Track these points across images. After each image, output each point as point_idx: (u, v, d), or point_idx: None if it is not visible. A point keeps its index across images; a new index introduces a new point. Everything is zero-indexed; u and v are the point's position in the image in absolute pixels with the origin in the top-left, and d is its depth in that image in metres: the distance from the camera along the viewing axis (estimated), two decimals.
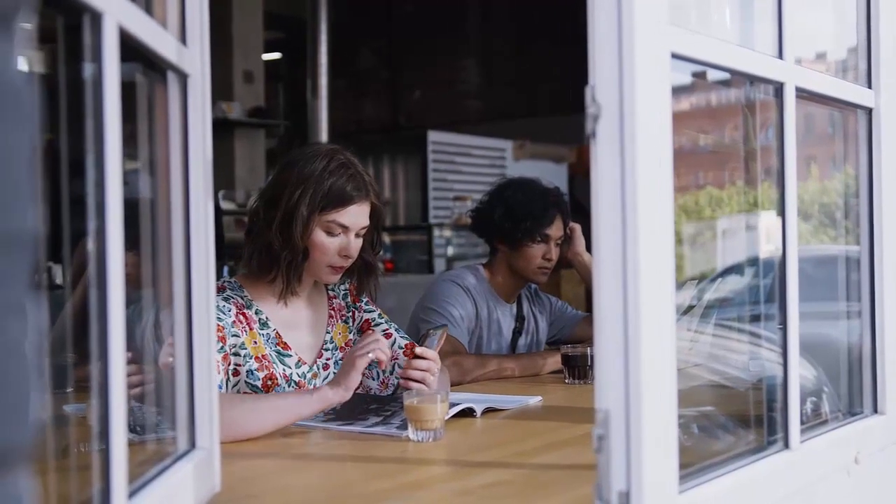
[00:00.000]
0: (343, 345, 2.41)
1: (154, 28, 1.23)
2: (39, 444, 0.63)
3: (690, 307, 2.20)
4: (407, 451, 1.86)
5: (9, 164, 0.57)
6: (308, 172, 2.21)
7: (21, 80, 0.60)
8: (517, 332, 3.18)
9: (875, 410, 1.86)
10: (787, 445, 1.55)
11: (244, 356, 2.19)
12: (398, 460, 1.80)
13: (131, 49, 1.14)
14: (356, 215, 2.25)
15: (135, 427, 1.37)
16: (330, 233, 2.23)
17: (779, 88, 1.56)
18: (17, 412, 0.59)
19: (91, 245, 1.05)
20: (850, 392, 1.91)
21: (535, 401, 2.41)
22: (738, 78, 1.64)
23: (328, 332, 2.39)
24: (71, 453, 1.33)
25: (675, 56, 1.28)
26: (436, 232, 7.64)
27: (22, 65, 0.61)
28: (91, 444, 1.27)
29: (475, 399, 2.25)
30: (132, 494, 1.13)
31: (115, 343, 1.04)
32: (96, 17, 1.02)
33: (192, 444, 1.41)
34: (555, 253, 3.07)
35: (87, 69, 1.04)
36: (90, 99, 1.04)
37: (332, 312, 2.42)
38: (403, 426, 1.95)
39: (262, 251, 2.24)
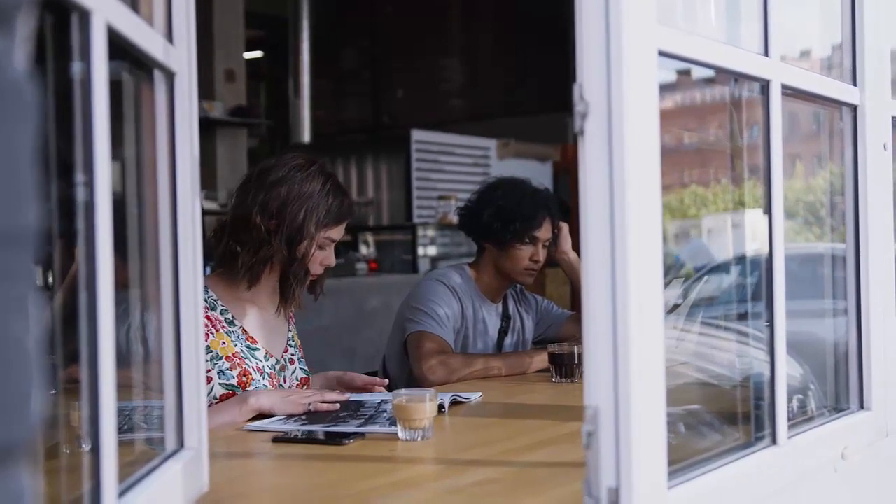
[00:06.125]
0: (298, 345, 2.55)
1: (142, 26, 1.23)
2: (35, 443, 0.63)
3: (676, 305, 2.20)
4: (396, 450, 1.86)
5: (12, 162, 0.57)
6: (308, 192, 2.32)
7: (23, 78, 0.60)
8: (503, 332, 3.19)
9: (861, 406, 1.87)
10: (774, 441, 1.56)
11: (211, 359, 2.25)
12: (387, 459, 1.80)
13: (118, 47, 1.13)
14: (343, 230, 2.43)
15: (121, 427, 1.36)
16: (321, 247, 2.37)
17: (765, 86, 1.57)
18: (19, 409, 0.59)
19: (79, 245, 1.04)
20: (837, 388, 1.92)
21: (475, 397, 2.41)
22: (723, 76, 1.64)
23: (290, 331, 2.52)
24: (59, 454, 1.32)
25: (662, 54, 1.28)
26: (420, 231, 7.62)
27: (23, 63, 0.61)
28: (76, 445, 1.27)
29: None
30: (121, 494, 1.12)
31: (104, 343, 1.04)
32: (84, 16, 1.02)
33: (181, 444, 1.41)
34: (542, 255, 3.08)
35: (75, 67, 1.03)
36: (78, 97, 1.04)
37: (291, 314, 2.54)
38: (393, 422, 1.95)
39: (262, 263, 2.33)
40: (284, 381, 2.42)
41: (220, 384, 2.26)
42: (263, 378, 2.32)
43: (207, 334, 2.25)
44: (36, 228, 0.61)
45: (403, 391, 2.01)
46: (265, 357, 2.37)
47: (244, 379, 2.28)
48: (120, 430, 1.13)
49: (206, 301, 2.30)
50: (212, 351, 2.26)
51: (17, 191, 0.58)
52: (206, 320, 2.25)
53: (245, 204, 2.33)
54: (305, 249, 2.33)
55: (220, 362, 2.27)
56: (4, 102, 0.57)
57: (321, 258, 2.37)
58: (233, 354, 2.30)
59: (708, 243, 2.04)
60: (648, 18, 1.24)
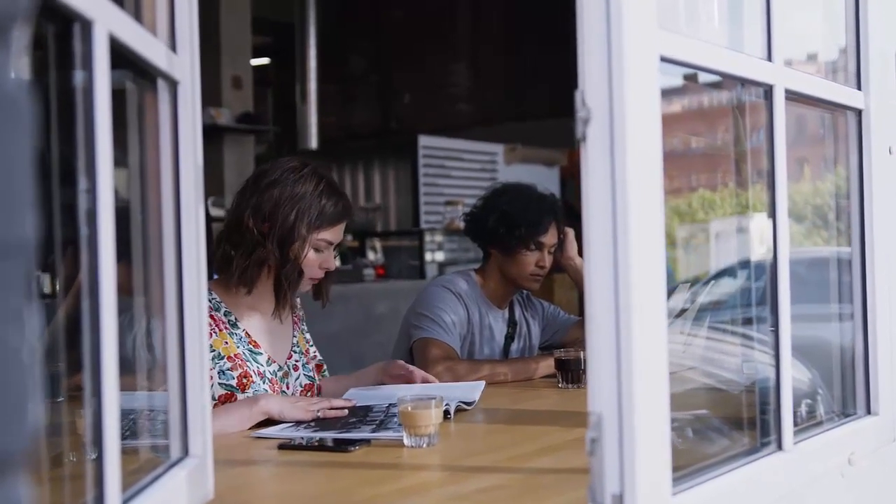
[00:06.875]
0: (304, 350, 2.53)
1: (144, 35, 1.23)
2: (35, 452, 0.63)
3: (683, 310, 2.20)
4: (402, 457, 1.85)
5: (8, 173, 0.58)
6: (300, 193, 2.32)
7: (19, 89, 0.60)
8: (509, 338, 3.18)
9: (868, 411, 1.87)
10: (780, 447, 1.55)
11: (213, 358, 2.26)
12: (393, 466, 1.80)
13: (121, 56, 1.14)
14: (341, 232, 2.41)
15: (125, 432, 1.36)
16: (317, 249, 2.36)
17: (768, 91, 1.57)
18: (15, 419, 0.59)
19: (82, 253, 1.04)
20: (844, 393, 1.91)
21: (480, 387, 2.47)
22: (730, 80, 1.64)
23: (294, 337, 2.52)
24: (65, 462, 1.32)
25: (664, 59, 1.28)
26: (427, 237, 7.61)
27: (19, 73, 0.61)
28: (82, 454, 1.27)
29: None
30: (125, 502, 1.12)
31: (107, 350, 1.04)
32: (87, 25, 1.02)
33: (185, 452, 1.41)
34: (548, 260, 3.08)
35: (78, 76, 1.04)
36: (80, 106, 1.04)
37: (295, 319, 2.55)
38: (401, 429, 1.95)
39: (255, 266, 2.32)
40: (287, 388, 2.41)
41: (219, 384, 2.26)
42: (264, 382, 2.33)
43: (210, 333, 2.25)
44: (33, 239, 0.61)
45: (409, 398, 2.01)
46: (267, 362, 2.37)
47: (244, 381, 2.29)
48: (123, 437, 1.13)
49: (210, 302, 2.30)
50: (214, 350, 2.26)
51: (14, 202, 0.58)
52: (209, 320, 2.26)
53: (240, 208, 2.35)
54: (297, 251, 2.32)
55: (222, 362, 2.28)
56: (0, 113, 0.58)
57: (319, 261, 2.37)
58: (234, 355, 2.30)
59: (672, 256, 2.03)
60: (650, 23, 1.24)
